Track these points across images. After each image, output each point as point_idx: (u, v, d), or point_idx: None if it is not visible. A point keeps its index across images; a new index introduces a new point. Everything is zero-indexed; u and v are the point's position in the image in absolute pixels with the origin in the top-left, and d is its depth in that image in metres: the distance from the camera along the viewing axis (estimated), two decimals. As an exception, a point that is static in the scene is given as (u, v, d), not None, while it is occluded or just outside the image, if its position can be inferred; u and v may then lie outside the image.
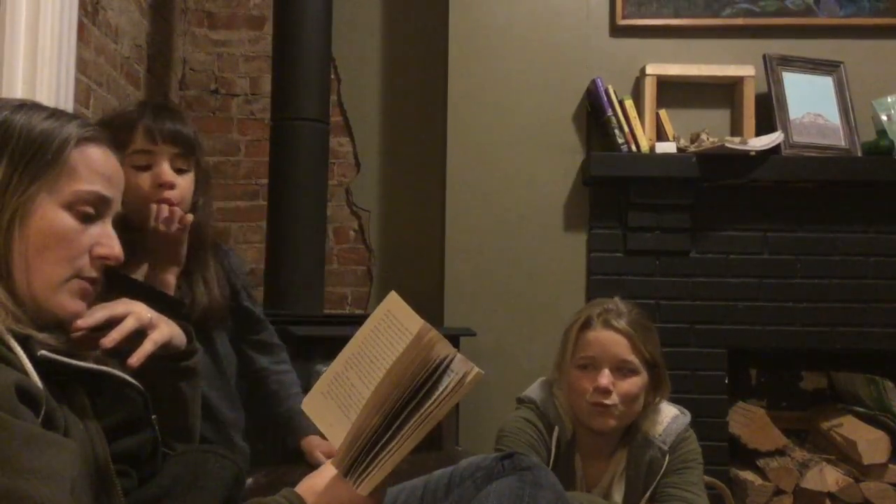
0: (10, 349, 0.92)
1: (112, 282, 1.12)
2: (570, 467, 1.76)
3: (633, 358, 1.70)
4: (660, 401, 1.79)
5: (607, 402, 1.68)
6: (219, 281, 1.72)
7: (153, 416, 1.15)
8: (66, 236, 1.01)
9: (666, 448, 1.73)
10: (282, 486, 1.10)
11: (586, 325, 1.73)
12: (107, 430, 1.03)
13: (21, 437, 0.83)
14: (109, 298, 1.11)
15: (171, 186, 1.57)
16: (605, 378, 1.68)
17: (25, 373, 0.91)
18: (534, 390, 1.86)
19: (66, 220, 1.01)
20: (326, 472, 1.10)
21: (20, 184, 0.99)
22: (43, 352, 0.95)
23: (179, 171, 1.60)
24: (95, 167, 1.05)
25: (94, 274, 1.05)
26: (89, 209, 1.04)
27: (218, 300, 1.69)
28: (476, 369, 1.04)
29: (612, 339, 1.70)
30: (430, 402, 1.04)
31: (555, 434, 1.76)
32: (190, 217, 1.59)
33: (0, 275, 0.98)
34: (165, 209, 1.55)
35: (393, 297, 1.17)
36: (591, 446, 1.77)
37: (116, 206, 1.09)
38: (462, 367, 1.04)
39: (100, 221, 1.06)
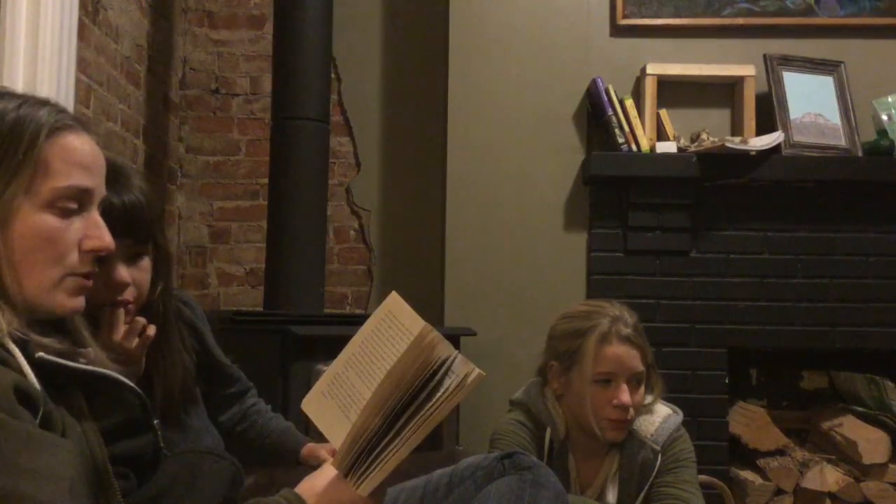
0: (9, 351, 0.92)
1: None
2: (563, 468, 1.77)
3: (643, 368, 1.73)
4: (654, 400, 1.79)
5: (628, 416, 1.71)
6: (185, 349, 1.53)
7: (156, 421, 1.15)
8: (50, 237, 0.99)
9: (658, 448, 1.74)
10: (281, 485, 1.10)
11: (604, 339, 1.72)
12: (105, 433, 1.02)
13: (20, 437, 0.83)
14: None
15: (125, 286, 1.33)
16: (627, 395, 1.69)
17: (23, 374, 0.91)
18: (525, 392, 1.87)
19: (48, 220, 0.98)
20: (326, 473, 1.10)
21: None
22: (40, 354, 0.95)
23: (136, 256, 1.36)
24: (71, 158, 1.01)
25: (86, 269, 1.03)
26: (71, 204, 1.00)
27: (181, 380, 1.48)
28: (477, 371, 1.04)
29: (629, 354, 1.72)
30: (431, 403, 1.04)
31: (547, 435, 1.77)
32: (152, 331, 1.36)
33: None
34: (122, 324, 1.32)
35: (394, 298, 1.16)
36: (585, 447, 1.78)
37: (101, 192, 1.05)
38: (463, 369, 1.04)
39: (84, 213, 1.03)
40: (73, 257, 1.01)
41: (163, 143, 3.26)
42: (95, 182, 1.04)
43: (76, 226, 1.01)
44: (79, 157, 1.02)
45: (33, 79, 2.07)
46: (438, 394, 1.04)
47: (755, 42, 2.94)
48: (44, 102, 1.03)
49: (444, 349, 1.05)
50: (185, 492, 1.12)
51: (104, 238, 1.04)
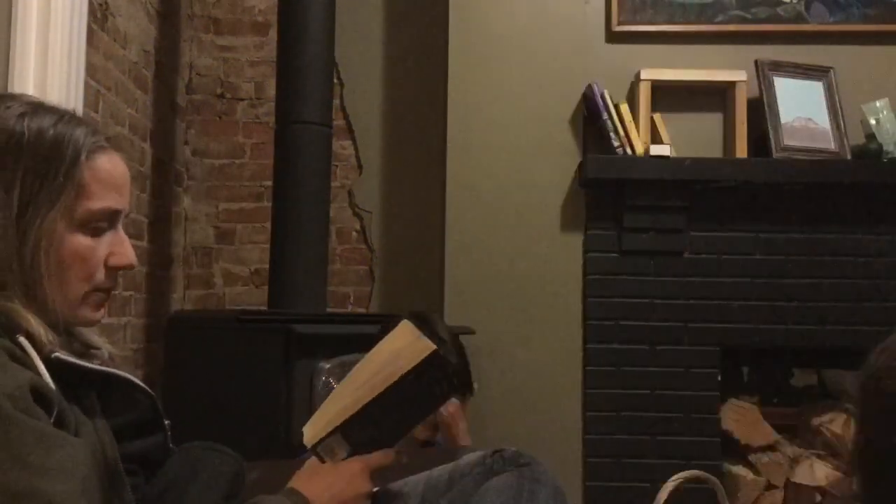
0: (24, 350, 0.94)
1: None
2: None
3: None
4: None
5: None
6: None
7: (167, 422, 1.17)
8: (83, 255, 1.02)
9: None
10: (286, 480, 1.13)
11: None
12: (116, 431, 1.05)
13: (35, 435, 0.85)
14: None
15: None
16: None
17: (38, 373, 0.93)
18: None
19: (82, 240, 1.02)
20: (307, 463, 1.16)
21: (37, 214, 0.98)
22: (56, 354, 0.97)
23: None
24: (105, 180, 1.04)
25: (110, 284, 1.07)
26: (102, 224, 1.04)
27: None
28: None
29: None
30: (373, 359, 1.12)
31: None
32: None
33: (32, 298, 0.98)
34: None
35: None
36: None
37: (126, 210, 1.09)
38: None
39: (111, 230, 1.06)
40: (101, 274, 1.05)
41: (170, 146, 3.31)
42: (124, 202, 1.08)
43: (104, 243, 1.05)
44: (112, 179, 1.05)
45: (43, 83, 2.10)
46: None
47: (747, 48, 2.98)
48: (79, 121, 1.06)
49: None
50: (188, 486, 1.14)
51: (128, 255, 1.07)
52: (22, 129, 0.99)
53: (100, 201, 1.03)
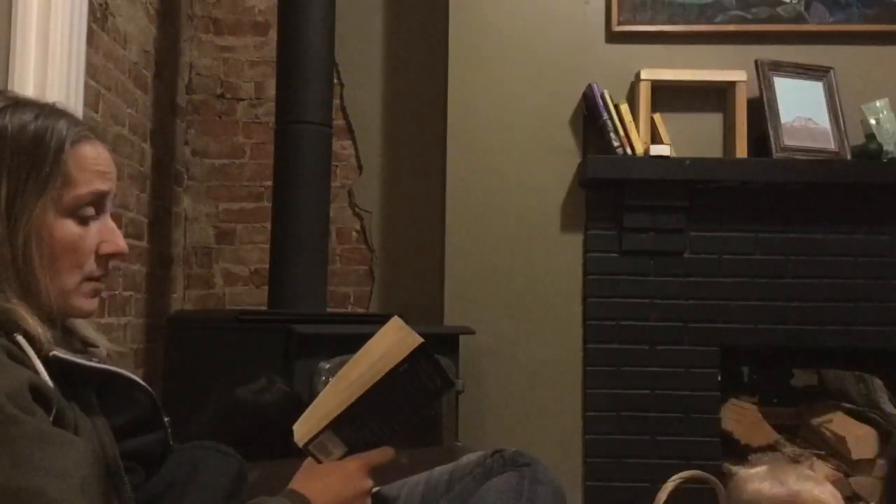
0: (22, 349, 0.94)
1: None
2: None
3: None
4: None
5: None
6: None
7: (166, 419, 1.17)
8: (73, 244, 1.03)
9: None
10: (287, 480, 1.13)
11: None
12: (116, 429, 1.04)
13: (33, 435, 0.85)
14: None
15: None
16: None
17: (36, 372, 0.93)
18: None
19: (71, 228, 1.02)
20: (306, 463, 1.15)
21: (25, 205, 0.99)
22: (54, 352, 0.97)
23: None
24: (90, 167, 1.04)
25: (102, 272, 1.07)
26: (89, 211, 1.04)
27: None
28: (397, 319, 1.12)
29: None
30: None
31: None
32: None
33: (27, 292, 0.99)
34: None
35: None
36: None
37: (113, 192, 1.09)
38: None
39: (100, 217, 1.07)
40: (91, 263, 1.05)
41: (170, 146, 3.31)
42: (109, 186, 1.08)
43: (93, 231, 1.06)
44: (96, 164, 1.06)
45: (43, 83, 2.10)
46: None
47: (747, 48, 2.99)
48: (60, 113, 1.06)
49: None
50: (189, 487, 1.14)
51: (119, 243, 1.08)
52: (4, 125, 1.00)
53: (86, 187, 1.04)
